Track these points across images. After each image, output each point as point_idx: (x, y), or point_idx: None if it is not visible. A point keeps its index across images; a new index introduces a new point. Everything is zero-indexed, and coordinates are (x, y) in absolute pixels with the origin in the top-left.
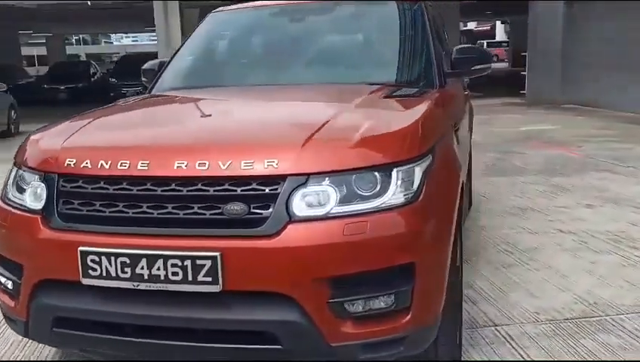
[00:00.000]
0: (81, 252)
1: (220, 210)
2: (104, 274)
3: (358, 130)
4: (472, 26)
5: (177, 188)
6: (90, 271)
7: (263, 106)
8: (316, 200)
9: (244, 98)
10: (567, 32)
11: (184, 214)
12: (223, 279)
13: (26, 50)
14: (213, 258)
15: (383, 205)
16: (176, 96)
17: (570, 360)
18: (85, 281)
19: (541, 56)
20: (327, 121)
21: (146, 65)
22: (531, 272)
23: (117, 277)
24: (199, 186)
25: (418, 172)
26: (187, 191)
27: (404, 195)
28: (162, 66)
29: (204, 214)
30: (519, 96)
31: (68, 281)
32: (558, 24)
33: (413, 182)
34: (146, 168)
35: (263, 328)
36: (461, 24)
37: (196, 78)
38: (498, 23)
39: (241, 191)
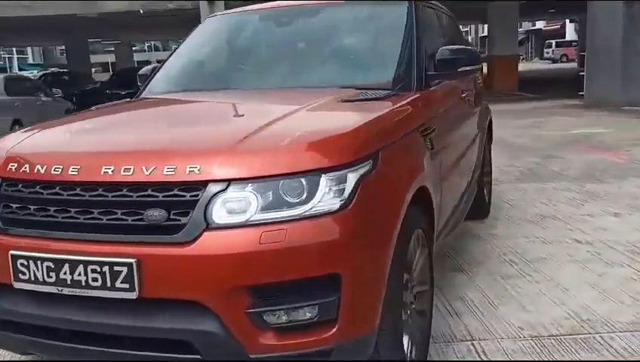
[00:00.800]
0: (12, 255)
1: (141, 216)
2: (32, 278)
3: (290, 135)
4: (541, 25)
5: (104, 193)
6: (20, 275)
7: (210, 112)
8: (237, 207)
9: (200, 103)
10: (628, 31)
11: (107, 220)
12: (139, 286)
13: (100, 58)
14: (129, 264)
15: (307, 213)
16: (139, 102)
17: (565, 360)
18: (16, 285)
19: (600, 57)
20: (263, 126)
21: (141, 71)
22: (530, 284)
23: (44, 282)
24: (124, 192)
25: (351, 178)
26: (112, 196)
27: (333, 203)
28: (154, 72)
29: (126, 220)
30: (578, 98)
31: (4, 284)
32: (618, 23)
33: (344, 190)
34: (76, 173)
35: (181, 337)
36: (529, 23)
37: (175, 83)
38: (568, 21)
39: (163, 197)
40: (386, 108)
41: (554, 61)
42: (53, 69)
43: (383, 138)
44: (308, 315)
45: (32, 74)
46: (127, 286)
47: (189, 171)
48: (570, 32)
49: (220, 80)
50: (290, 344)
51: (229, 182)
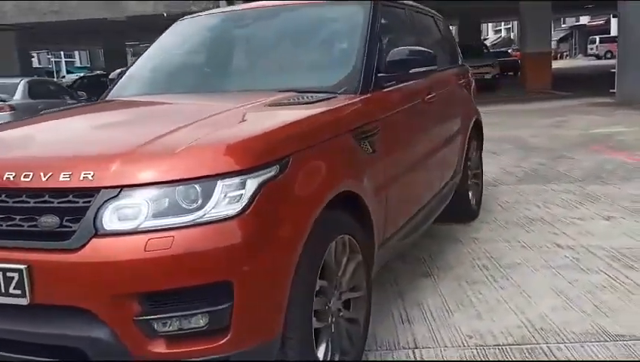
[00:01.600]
0: None
1: (36, 223)
2: None
3: (190, 141)
4: (585, 20)
5: (5, 199)
6: None
7: (137, 116)
8: (128, 213)
9: (135, 107)
10: None
11: (7, 226)
12: (30, 292)
13: None
14: (20, 271)
15: (200, 219)
16: (81, 107)
17: (559, 359)
18: None
19: (631, 54)
20: (170, 132)
21: (111, 75)
22: (494, 291)
23: None
24: (23, 198)
25: (251, 184)
26: (13, 202)
27: (229, 209)
28: (120, 75)
29: (23, 226)
30: (610, 96)
31: None
32: None
33: (242, 196)
34: None
35: (71, 343)
36: (573, 19)
37: (132, 86)
38: (612, 16)
39: (58, 203)
40: (310, 111)
41: (598, 57)
42: (98, 71)
43: (296, 142)
44: (199, 323)
45: (78, 76)
46: (19, 292)
47: (83, 177)
48: (615, 28)
49: (170, 83)
50: (181, 352)
51: (120, 188)
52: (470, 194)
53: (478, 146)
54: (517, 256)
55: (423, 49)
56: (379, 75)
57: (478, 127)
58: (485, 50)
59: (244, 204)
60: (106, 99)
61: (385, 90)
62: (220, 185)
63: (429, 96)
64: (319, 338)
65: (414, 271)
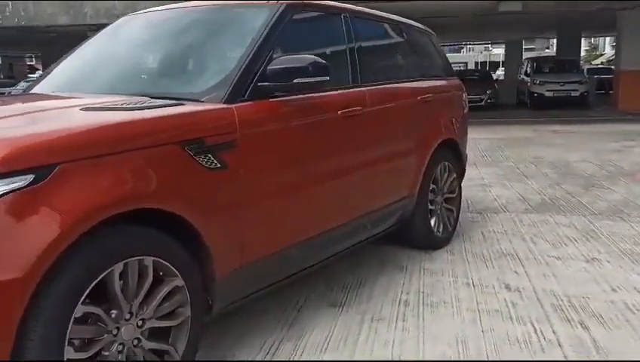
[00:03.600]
0: None
1: None
2: None
3: None
4: None
5: None
6: None
7: None
8: None
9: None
10: None
11: None
12: None
13: None
14: None
15: None
16: None
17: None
18: None
19: None
20: None
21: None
22: (392, 331)
23: None
24: None
25: None
26: None
27: None
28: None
29: None
30: None
31: None
32: None
33: None
34: None
35: None
36: None
37: (47, 82)
38: None
39: None
40: (116, 118)
41: None
42: None
43: (68, 151)
44: None
45: None
46: None
47: None
48: None
49: (59, 81)
50: None
51: None
52: (433, 221)
53: (454, 170)
54: (450, 295)
55: (312, 58)
56: (260, 84)
57: (452, 148)
58: (575, 66)
59: None
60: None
61: (267, 100)
62: None
63: (346, 110)
64: None
65: (328, 297)
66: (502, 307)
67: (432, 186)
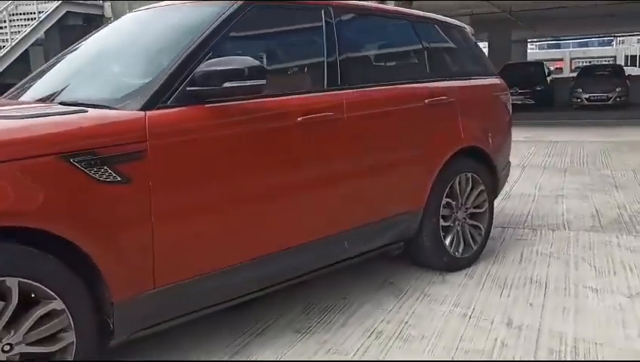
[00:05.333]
0: None
1: None
2: None
3: None
4: None
5: None
6: None
7: None
8: None
9: None
10: None
11: None
12: None
13: None
14: None
15: None
16: None
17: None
18: None
19: None
20: None
21: None
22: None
23: None
24: None
25: None
26: None
27: None
28: None
29: None
30: None
31: None
32: None
33: None
34: None
35: None
36: None
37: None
38: None
39: None
40: None
41: None
42: None
43: None
44: None
45: None
46: None
47: None
48: None
49: (32, 88)
50: None
51: None
52: (449, 239)
53: (481, 182)
54: (434, 328)
55: (244, 59)
56: (190, 88)
57: (479, 158)
58: None
59: None
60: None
61: (198, 106)
62: None
63: (309, 116)
64: None
65: (298, 321)
66: (487, 348)
67: (446, 200)
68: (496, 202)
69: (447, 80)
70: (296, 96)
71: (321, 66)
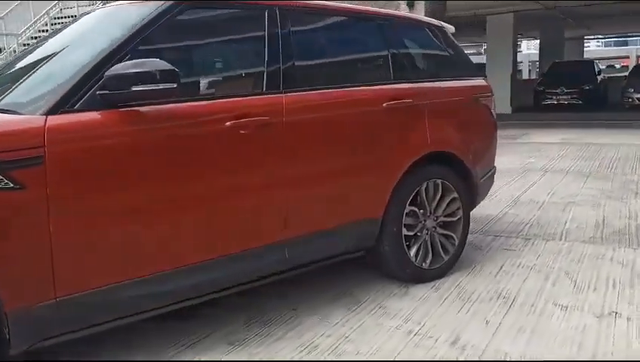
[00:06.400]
0: None
1: None
2: None
3: None
4: None
5: None
6: None
7: None
8: None
9: None
10: None
11: None
12: None
13: None
14: None
15: None
16: None
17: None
18: None
19: None
20: None
21: None
22: None
23: None
24: None
25: None
26: None
27: None
28: None
29: None
30: None
31: None
32: None
33: None
34: None
35: None
36: None
37: None
38: None
39: None
40: None
41: None
42: None
43: None
44: None
45: None
46: None
47: None
48: None
49: None
50: None
51: None
52: (414, 250)
53: (452, 189)
54: (373, 344)
55: (153, 62)
56: (100, 92)
57: (451, 163)
58: None
59: None
60: None
61: (109, 110)
62: None
63: (241, 121)
64: None
65: (235, 333)
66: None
67: (410, 208)
68: (499, 209)
69: (415, 82)
70: (228, 100)
71: (261, 69)
